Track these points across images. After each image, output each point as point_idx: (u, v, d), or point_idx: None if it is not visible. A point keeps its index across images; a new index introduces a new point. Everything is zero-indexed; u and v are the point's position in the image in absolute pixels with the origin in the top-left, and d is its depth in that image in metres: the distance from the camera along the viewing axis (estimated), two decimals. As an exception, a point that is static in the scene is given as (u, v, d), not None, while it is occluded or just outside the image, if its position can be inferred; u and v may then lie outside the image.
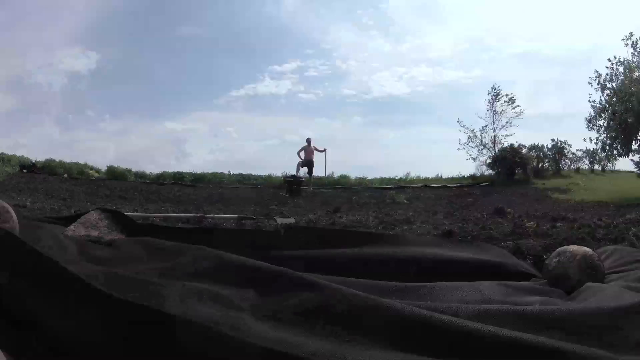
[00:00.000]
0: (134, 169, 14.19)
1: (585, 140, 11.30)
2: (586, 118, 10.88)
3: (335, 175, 14.29)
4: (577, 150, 15.87)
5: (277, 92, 23.34)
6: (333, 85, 25.15)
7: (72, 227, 1.72)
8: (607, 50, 16.52)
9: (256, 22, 27.80)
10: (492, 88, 15.30)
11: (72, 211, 3.63)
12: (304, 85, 24.51)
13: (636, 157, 10.38)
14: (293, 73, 25.36)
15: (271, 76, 25.22)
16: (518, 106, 14.94)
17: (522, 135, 15.69)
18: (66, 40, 25.92)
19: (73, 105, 22.93)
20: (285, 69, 24.97)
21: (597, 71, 10.76)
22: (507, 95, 15.09)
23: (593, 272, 1.52)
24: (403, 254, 2.05)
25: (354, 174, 14.35)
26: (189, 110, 26.70)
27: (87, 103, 24.84)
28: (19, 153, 13.04)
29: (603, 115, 10.46)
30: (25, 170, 12.15)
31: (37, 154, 13.58)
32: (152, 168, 15.78)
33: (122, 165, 14.10)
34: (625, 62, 10.27)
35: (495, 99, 15.20)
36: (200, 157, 22.51)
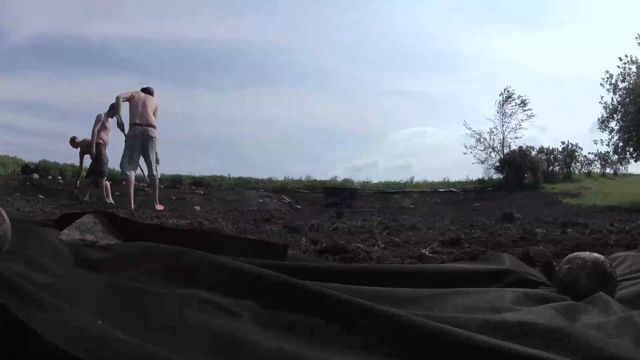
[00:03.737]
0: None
1: (595, 142, 11.12)
2: (599, 119, 10.71)
3: (339, 179, 14.24)
4: (588, 153, 15.64)
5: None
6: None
7: (66, 230, 1.69)
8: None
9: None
10: (505, 89, 15.14)
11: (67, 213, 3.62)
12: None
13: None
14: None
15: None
16: (530, 109, 14.75)
17: (536, 132, 15.47)
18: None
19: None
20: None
21: (608, 71, 10.59)
22: (519, 97, 14.90)
23: (604, 279, 1.46)
24: (410, 267, 2.00)
25: (355, 177, 14.32)
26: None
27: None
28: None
29: (615, 116, 10.27)
30: (19, 173, 12.21)
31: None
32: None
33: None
34: (638, 61, 10.05)
35: (506, 101, 15.02)
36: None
